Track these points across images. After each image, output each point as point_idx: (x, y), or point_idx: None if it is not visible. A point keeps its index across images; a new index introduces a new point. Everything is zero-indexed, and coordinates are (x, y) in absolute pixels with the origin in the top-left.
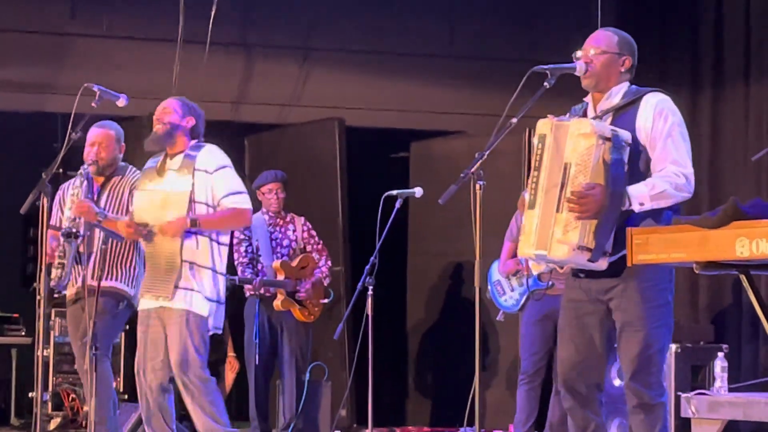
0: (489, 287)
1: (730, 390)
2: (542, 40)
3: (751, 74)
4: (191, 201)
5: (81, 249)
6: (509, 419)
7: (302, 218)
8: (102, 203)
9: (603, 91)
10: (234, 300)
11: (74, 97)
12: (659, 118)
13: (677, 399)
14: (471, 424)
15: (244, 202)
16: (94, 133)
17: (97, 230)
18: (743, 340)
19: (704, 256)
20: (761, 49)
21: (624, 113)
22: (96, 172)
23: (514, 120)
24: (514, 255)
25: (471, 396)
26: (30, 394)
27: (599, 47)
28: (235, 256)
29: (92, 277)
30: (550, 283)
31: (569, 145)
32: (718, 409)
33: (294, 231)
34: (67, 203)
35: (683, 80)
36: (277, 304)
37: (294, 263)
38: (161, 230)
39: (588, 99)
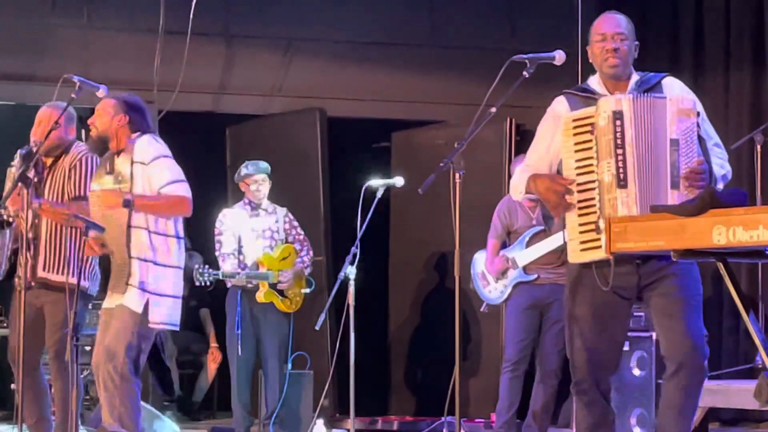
0: (472, 279)
1: (711, 377)
2: (522, 29)
3: (731, 63)
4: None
5: (30, 235)
6: (491, 408)
7: (284, 209)
8: (47, 185)
9: (622, 79)
10: (216, 291)
11: (54, 88)
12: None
13: (658, 387)
14: (453, 413)
15: (183, 189)
16: (40, 112)
17: (43, 219)
18: (724, 328)
19: (682, 244)
20: (741, 37)
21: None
22: (43, 153)
23: (493, 109)
24: (499, 250)
25: (452, 385)
26: (12, 386)
27: (623, 33)
28: (216, 246)
29: (43, 268)
30: (536, 275)
31: (670, 121)
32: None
33: (276, 221)
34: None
35: (663, 68)
36: (259, 296)
37: (276, 254)
38: (101, 202)
39: (596, 85)
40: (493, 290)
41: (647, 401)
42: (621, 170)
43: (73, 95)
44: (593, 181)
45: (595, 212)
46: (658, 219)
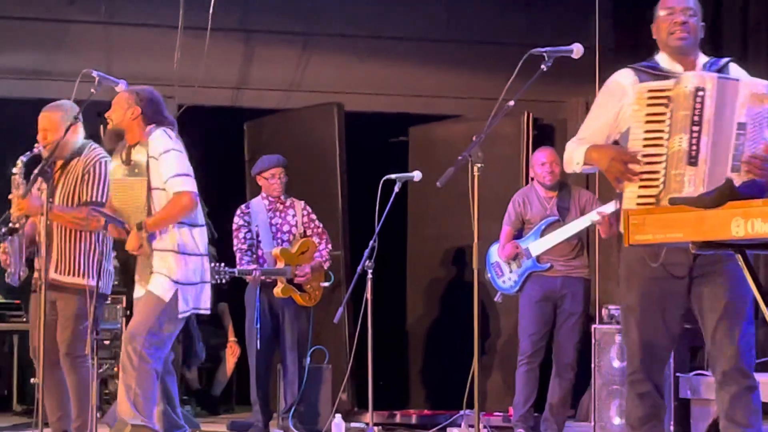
0: (487, 269)
1: None
2: (540, 23)
3: (749, 54)
4: (149, 189)
5: (38, 239)
6: (509, 401)
7: (302, 202)
8: (58, 188)
9: (689, 55)
10: (235, 285)
11: (73, 84)
12: None
13: (676, 380)
14: (471, 406)
15: (185, 184)
16: (41, 117)
17: (54, 222)
18: None
19: (700, 236)
20: (759, 28)
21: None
22: (53, 157)
23: (512, 102)
24: (513, 238)
25: (470, 378)
26: (32, 380)
27: (692, 8)
28: (234, 242)
29: (55, 270)
30: (549, 264)
31: (741, 104)
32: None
33: (294, 216)
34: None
35: None
36: (277, 291)
37: (293, 249)
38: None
39: (665, 63)
40: (506, 280)
41: (666, 395)
42: (694, 147)
43: (92, 90)
44: (661, 155)
45: (657, 186)
46: (676, 211)
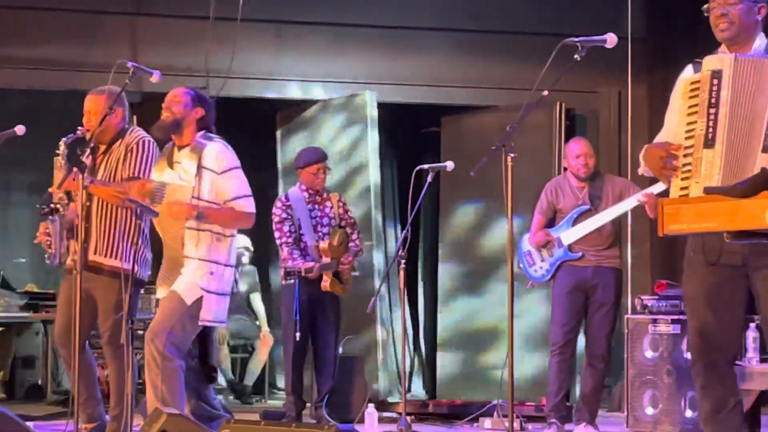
0: (519, 258)
1: (762, 360)
2: (573, 13)
3: None
4: (195, 197)
5: (76, 222)
6: (542, 391)
7: (336, 194)
8: (100, 170)
9: (741, 43)
10: (265, 275)
11: (107, 75)
12: None
13: None
14: (504, 396)
15: (250, 206)
16: (87, 101)
17: (94, 202)
18: None
19: (735, 225)
20: None
21: None
22: (96, 140)
23: (546, 92)
24: (545, 227)
25: (504, 368)
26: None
27: None
28: (277, 235)
29: (94, 252)
30: (581, 254)
31: None
32: (751, 380)
33: (331, 208)
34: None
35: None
36: (325, 285)
37: (335, 242)
38: (168, 206)
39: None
40: (538, 269)
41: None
42: (710, 130)
43: (126, 80)
44: (692, 146)
45: (690, 176)
46: (710, 201)
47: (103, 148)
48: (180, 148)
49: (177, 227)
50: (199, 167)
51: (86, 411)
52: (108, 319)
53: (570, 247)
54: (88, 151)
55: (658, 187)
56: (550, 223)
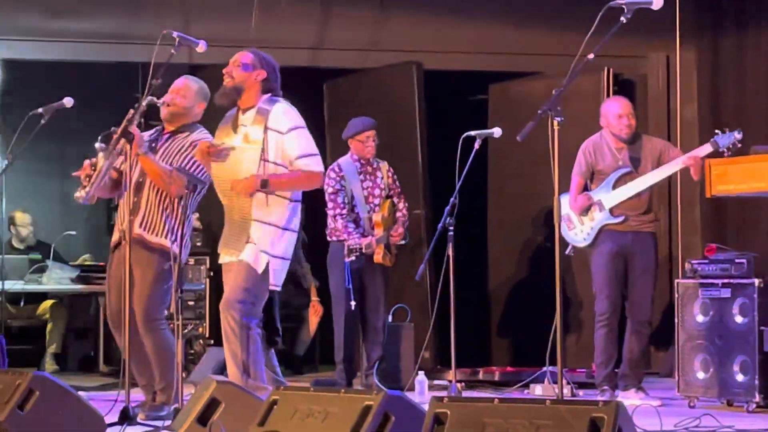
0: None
1: None
2: None
3: None
4: (262, 159)
5: (132, 196)
6: (591, 358)
7: (385, 163)
8: (161, 152)
9: None
10: (314, 245)
11: (153, 46)
12: None
13: (761, 333)
14: (554, 363)
15: (317, 164)
16: (178, 80)
17: (147, 180)
18: None
19: None
20: None
21: None
22: (167, 118)
23: (591, 55)
24: (584, 189)
25: (552, 335)
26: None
27: None
28: (331, 206)
29: (140, 226)
30: (623, 217)
31: None
32: None
33: (382, 178)
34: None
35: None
36: (377, 258)
37: (386, 213)
38: (232, 186)
39: None
40: (579, 232)
41: (750, 348)
42: None
43: (172, 51)
44: None
45: None
46: (759, 161)
47: (169, 129)
48: (244, 111)
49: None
50: (265, 129)
51: (150, 392)
52: (143, 295)
53: (611, 211)
54: (136, 120)
55: (704, 150)
56: (586, 186)
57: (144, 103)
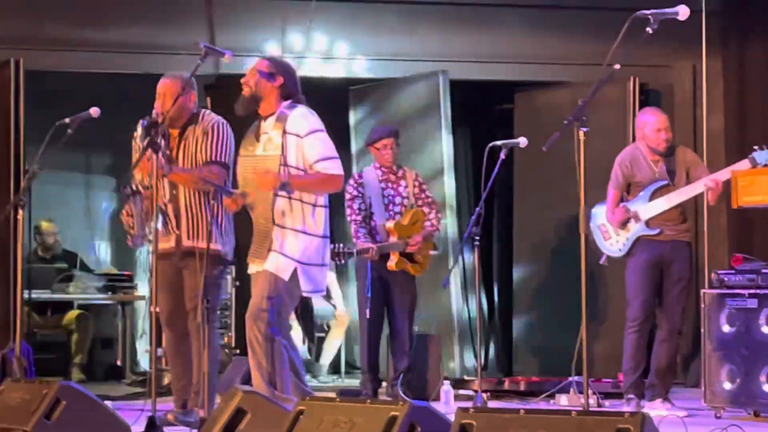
0: (593, 231)
1: None
2: None
3: None
4: (282, 164)
5: (167, 206)
6: (618, 367)
7: (414, 172)
8: (179, 157)
9: None
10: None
11: (179, 57)
12: None
13: None
14: (580, 373)
15: (336, 167)
16: (160, 84)
17: (181, 189)
18: None
19: None
20: None
21: None
22: (168, 124)
23: (617, 66)
24: (620, 201)
25: (578, 345)
26: (145, 350)
27: None
28: (348, 212)
29: (188, 238)
30: (659, 229)
31: None
32: None
33: (406, 187)
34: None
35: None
36: (391, 265)
37: (405, 221)
38: (257, 179)
39: None
40: (614, 243)
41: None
42: None
43: (199, 61)
44: None
45: None
46: None
47: (176, 134)
48: (265, 118)
49: (265, 199)
50: (284, 133)
51: (182, 398)
52: (195, 298)
53: (647, 222)
54: (160, 131)
55: (725, 174)
56: (622, 197)
57: (155, 130)
